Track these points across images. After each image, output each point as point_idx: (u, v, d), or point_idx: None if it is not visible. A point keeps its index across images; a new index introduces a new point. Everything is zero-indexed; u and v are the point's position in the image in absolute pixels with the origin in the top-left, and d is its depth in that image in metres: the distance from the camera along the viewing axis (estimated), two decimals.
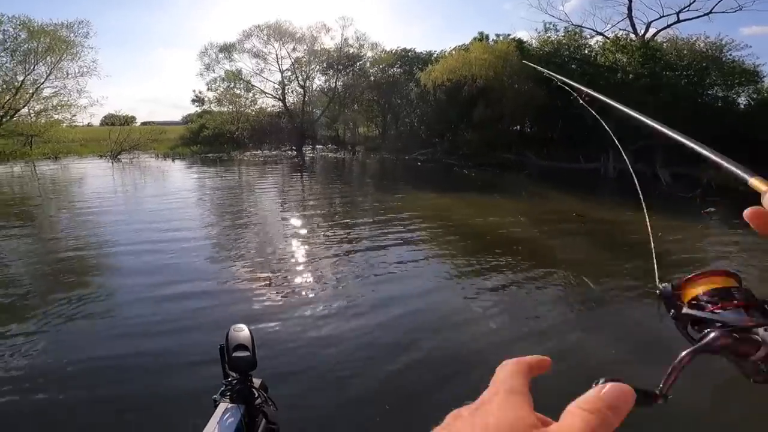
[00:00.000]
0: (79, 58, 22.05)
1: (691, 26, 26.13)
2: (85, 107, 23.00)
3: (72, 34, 21.81)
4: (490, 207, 10.26)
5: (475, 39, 23.23)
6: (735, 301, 0.38)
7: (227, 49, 26.81)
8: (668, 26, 20.73)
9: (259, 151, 26.19)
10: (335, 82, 27.36)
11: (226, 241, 7.29)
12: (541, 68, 1.96)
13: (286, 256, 6.37)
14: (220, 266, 5.89)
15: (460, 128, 22.75)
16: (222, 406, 1.12)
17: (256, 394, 1.17)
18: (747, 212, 0.35)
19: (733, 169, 0.43)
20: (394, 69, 26.70)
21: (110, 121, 27.80)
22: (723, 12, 19.91)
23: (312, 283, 5.26)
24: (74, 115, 23.13)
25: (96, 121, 28.78)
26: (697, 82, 18.92)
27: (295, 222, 8.66)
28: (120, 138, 23.14)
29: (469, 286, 5.28)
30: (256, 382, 1.20)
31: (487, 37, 23.16)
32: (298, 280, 5.41)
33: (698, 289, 0.41)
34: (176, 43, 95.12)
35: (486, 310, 4.60)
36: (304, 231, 7.97)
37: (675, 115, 16.80)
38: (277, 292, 4.95)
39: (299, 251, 6.63)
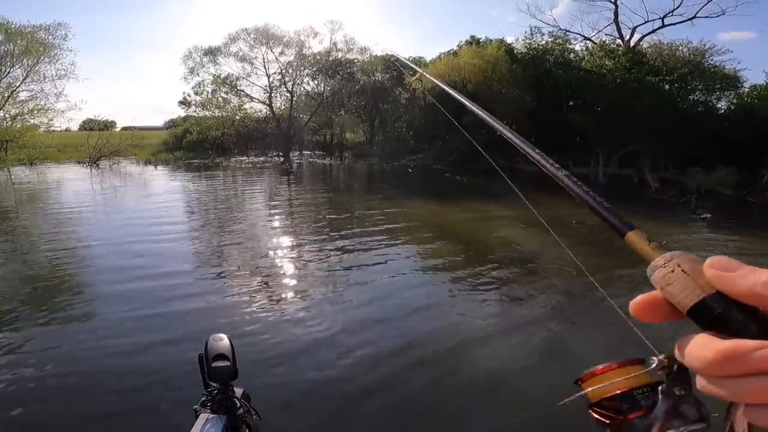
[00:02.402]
0: (57, 61, 21.28)
1: (674, 31, 26.73)
2: (62, 111, 22.10)
3: (50, 37, 21.04)
4: (483, 213, 10.08)
5: (466, 42, 23.27)
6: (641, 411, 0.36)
7: (212, 53, 26.35)
8: (653, 31, 21.14)
9: (245, 157, 25.65)
10: (323, 87, 27.10)
11: (210, 250, 7.03)
12: (393, 55, 1.95)
13: (271, 265, 6.16)
14: (203, 275, 5.68)
15: (449, 134, 22.71)
16: (203, 417, 1.09)
17: (238, 404, 1.14)
18: (634, 305, 0.32)
19: (609, 217, 0.38)
20: (383, 74, 26.58)
21: (89, 125, 26.92)
22: (706, 17, 20.34)
23: (299, 292, 5.11)
24: (51, 120, 22.27)
25: (75, 126, 27.89)
26: (679, 87, 19.24)
27: (282, 230, 8.38)
28: (99, 143, 22.37)
29: (461, 293, 5.20)
30: (238, 391, 1.18)
31: (478, 41, 23.23)
32: (284, 288, 5.26)
33: (603, 390, 0.38)
34: (160, 47, 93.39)
35: (484, 319, 4.46)
36: (290, 239, 7.71)
37: (659, 120, 17.04)
38: (261, 301, 4.81)
39: (285, 260, 6.43)
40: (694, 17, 20.16)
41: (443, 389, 3.28)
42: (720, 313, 0.27)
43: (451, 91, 0.89)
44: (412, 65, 1.55)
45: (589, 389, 0.40)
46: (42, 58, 20.79)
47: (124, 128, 30.17)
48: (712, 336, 0.27)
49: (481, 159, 20.24)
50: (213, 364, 1.13)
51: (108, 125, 27.58)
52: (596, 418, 0.39)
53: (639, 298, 0.32)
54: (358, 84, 26.50)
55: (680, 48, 20.06)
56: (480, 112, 0.73)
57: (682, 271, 0.29)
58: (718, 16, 20.71)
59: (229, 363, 1.13)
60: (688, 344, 0.28)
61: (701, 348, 0.27)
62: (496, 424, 2.92)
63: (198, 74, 26.72)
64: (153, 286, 5.18)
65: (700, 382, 0.28)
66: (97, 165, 21.32)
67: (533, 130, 21.02)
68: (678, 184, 14.37)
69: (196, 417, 1.11)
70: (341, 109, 27.44)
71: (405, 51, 46.16)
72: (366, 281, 5.53)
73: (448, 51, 22.88)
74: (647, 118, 17.08)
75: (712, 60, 19.56)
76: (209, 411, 1.11)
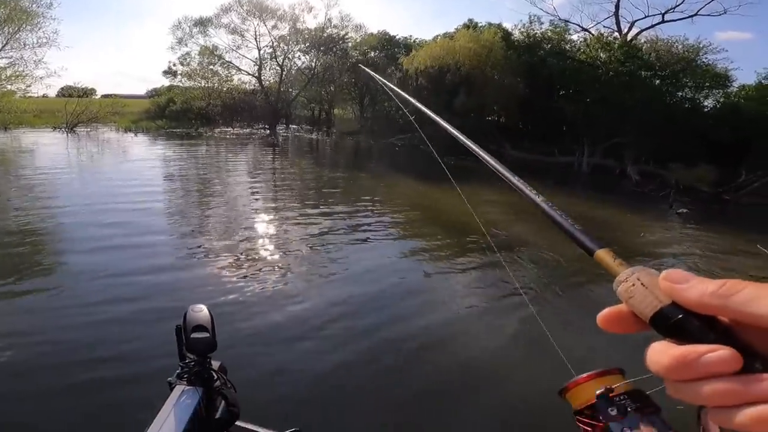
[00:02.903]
0: (39, 29, 20.44)
1: (673, 28, 26.70)
2: (41, 78, 21.34)
3: (34, 5, 20.12)
4: (468, 195, 10.06)
5: (464, 25, 22.86)
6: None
7: (202, 24, 25.54)
8: (652, 26, 21.00)
9: (229, 129, 25.12)
10: (315, 63, 26.49)
11: (189, 219, 6.92)
12: (372, 73, 2.04)
13: (252, 236, 6.10)
14: (180, 245, 5.59)
15: (439, 115, 22.51)
16: (179, 389, 1.07)
17: (215, 377, 1.11)
18: (601, 317, 0.34)
19: (579, 236, 0.39)
20: (376, 53, 26.05)
21: (68, 92, 25.92)
22: (708, 15, 20.29)
23: (277, 265, 5.07)
24: (29, 86, 21.46)
25: (52, 93, 26.79)
26: (670, 83, 19.32)
27: (263, 202, 8.28)
28: (77, 110, 21.58)
29: (439, 272, 5.24)
30: (215, 364, 1.15)
31: (476, 25, 22.83)
32: (262, 261, 5.20)
33: (584, 398, 0.40)
34: (146, 15, 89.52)
35: (457, 297, 4.49)
36: (271, 211, 7.61)
37: (647, 114, 17.15)
38: (240, 272, 4.76)
39: (265, 233, 6.36)
40: (696, 15, 20.09)
41: (419, 362, 3.32)
42: (676, 322, 0.29)
43: (415, 103, 0.94)
44: (380, 78, 1.63)
45: (571, 398, 0.42)
46: (24, 26, 19.99)
47: (105, 96, 29.06)
48: (671, 343, 0.29)
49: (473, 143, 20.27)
50: (192, 335, 1.09)
51: (87, 92, 26.61)
52: (581, 426, 0.40)
53: (606, 311, 0.34)
54: (350, 61, 25.98)
55: (676, 44, 20.09)
56: (450, 128, 0.75)
57: (642, 284, 0.31)
58: (720, 14, 20.67)
59: (208, 334, 1.10)
60: (649, 351, 0.29)
61: (659, 354, 0.28)
62: (469, 394, 2.97)
63: (186, 45, 25.90)
64: (126, 255, 5.06)
65: (667, 388, 0.29)
66: (74, 131, 20.62)
67: (523, 117, 21.04)
68: (658, 177, 14.58)
69: (171, 389, 1.08)
70: (331, 85, 26.91)
71: (402, 30, 45.15)
72: (346, 257, 5.51)
73: (445, 33, 22.41)
74: (636, 112, 17.18)
75: (705, 58, 19.67)
76: (185, 383, 1.08)
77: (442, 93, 21.47)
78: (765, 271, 6.04)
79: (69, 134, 19.63)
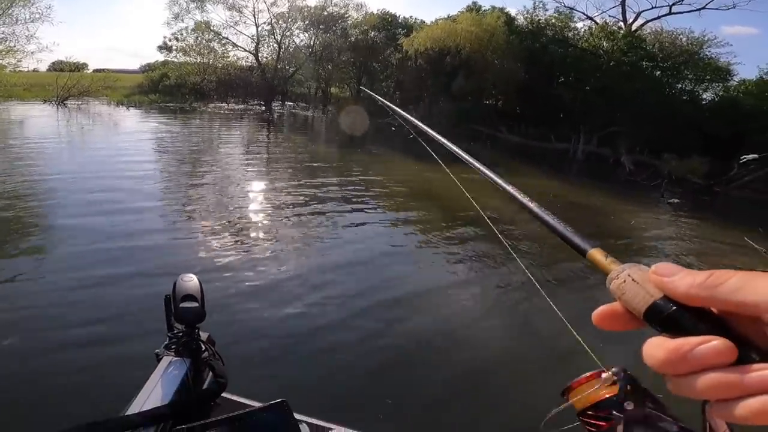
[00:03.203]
0: (32, 4, 19.82)
1: (679, 20, 26.30)
2: (32, 53, 20.82)
3: None
4: (462, 177, 10.06)
5: (467, 7, 22.45)
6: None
7: None
8: (658, 17, 20.70)
9: (224, 104, 24.71)
10: (314, 41, 25.95)
11: (180, 188, 6.92)
12: (376, 96, 2.14)
13: (244, 212, 6.04)
14: (171, 212, 5.62)
15: (437, 97, 22.30)
16: (166, 359, 1.06)
17: (204, 348, 1.10)
18: (596, 316, 0.34)
19: (571, 237, 0.40)
20: (377, 32, 25.55)
21: (59, 67, 25.31)
22: (716, 9, 20.01)
23: (269, 240, 5.06)
24: (19, 61, 20.94)
25: (43, 67, 26.15)
26: (671, 75, 19.22)
27: (257, 177, 8.23)
28: (68, 84, 21.09)
29: (426, 248, 5.31)
30: (203, 335, 1.13)
31: (479, 8, 22.42)
32: (254, 235, 5.20)
33: (588, 399, 0.40)
34: None
35: (443, 275, 4.51)
36: (265, 188, 7.56)
37: (645, 105, 17.12)
38: (229, 240, 4.79)
39: (258, 208, 6.33)
40: (704, 8, 19.77)
41: (402, 332, 3.40)
42: (669, 315, 0.29)
43: (418, 123, 1.02)
44: (383, 101, 1.79)
45: (575, 399, 0.41)
46: (17, 1, 19.32)
47: (96, 70, 28.35)
48: (666, 337, 0.29)
49: (467, 125, 20.04)
50: (181, 305, 1.07)
51: (79, 67, 25.97)
52: (586, 427, 0.40)
53: (600, 309, 0.33)
54: (350, 40, 25.48)
55: (680, 37, 19.88)
56: (448, 143, 0.79)
57: (633, 280, 0.32)
58: (728, 9, 20.36)
59: (197, 304, 1.08)
60: (645, 346, 0.29)
61: (655, 348, 0.28)
62: (445, 366, 3.02)
63: (183, 20, 25.20)
64: (115, 221, 5.06)
65: (668, 384, 0.29)
66: (64, 104, 20.19)
67: (521, 102, 20.89)
68: (652, 167, 14.64)
69: (159, 360, 1.07)
70: (329, 63, 26.43)
71: (404, 10, 44.17)
72: (336, 230, 5.54)
73: (448, 16, 21.94)
74: (635, 102, 17.14)
75: (709, 51, 19.51)
76: (173, 354, 1.07)
77: (440, 75, 21.21)
78: (752, 263, 6.15)
79: (59, 107, 19.21)
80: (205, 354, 1.10)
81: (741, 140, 16.77)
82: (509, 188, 0.53)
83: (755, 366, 0.25)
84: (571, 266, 4.81)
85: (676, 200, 10.17)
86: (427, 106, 22.26)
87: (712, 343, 0.26)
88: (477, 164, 0.63)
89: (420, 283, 4.32)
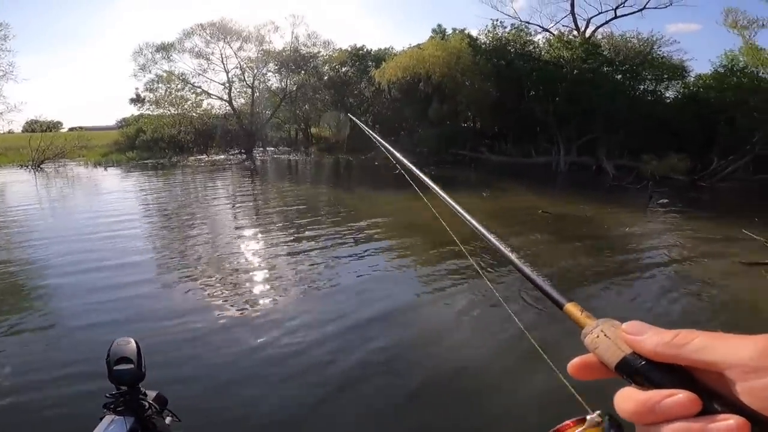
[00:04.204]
0: None
1: (626, 22, 27.88)
2: (0, 113, 20.62)
3: None
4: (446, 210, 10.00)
5: (434, 30, 23.26)
6: None
7: (165, 49, 24.96)
8: (606, 22, 21.71)
9: (204, 156, 24.54)
10: (287, 82, 26.36)
11: (167, 245, 6.85)
12: (363, 126, 2.24)
13: (236, 265, 5.85)
14: (158, 269, 5.63)
15: (415, 126, 22.64)
16: (108, 418, 1.10)
17: (147, 406, 1.15)
18: (571, 366, 0.36)
19: (550, 290, 0.42)
20: (348, 67, 26.13)
21: (32, 127, 25.09)
22: (655, 8, 21.09)
23: (251, 287, 5.05)
24: None
25: (17, 128, 25.90)
26: (631, 77, 19.93)
27: (247, 232, 7.98)
28: (42, 145, 20.83)
29: (435, 297, 4.97)
30: (151, 394, 1.18)
31: (444, 31, 23.23)
32: (238, 282, 5.18)
33: None
34: (111, 44, 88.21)
35: (452, 315, 4.31)
36: (256, 242, 7.32)
37: (613, 109, 17.62)
38: (215, 293, 4.78)
39: (248, 259, 6.17)
40: (644, 8, 20.88)
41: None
42: (638, 369, 0.31)
43: (400, 157, 1.06)
44: (368, 130, 1.92)
45: None
46: None
47: (72, 129, 28.23)
48: (636, 389, 0.31)
49: (448, 150, 20.21)
50: (115, 367, 1.13)
51: (52, 126, 25.80)
52: None
53: (575, 360, 0.36)
54: (323, 78, 25.96)
55: (631, 39, 20.79)
56: (431, 183, 0.83)
57: (605, 335, 0.34)
58: (666, 6, 21.52)
59: (132, 366, 1.13)
60: (616, 397, 0.31)
61: (625, 400, 0.31)
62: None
63: (150, 71, 25.35)
64: (103, 278, 5.12)
65: (637, 430, 0.31)
66: (41, 168, 19.85)
67: (497, 121, 21.34)
68: (634, 170, 14.91)
69: (101, 418, 1.11)
70: (306, 103, 26.78)
71: (373, 43, 45.65)
72: (326, 272, 5.46)
73: (418, 44, 22.61)
74: (602, 107, 17.65)
75: (660, 51, 20.43)
76: (114, 413, 1.11)
77: (415, 103, 21.62)
78: (756, 255, 6.10)
79: (36, 172, 18.88)
80: (149, 412, 1.13)
81: (713, 133, 17.32)
82: (491, 237, 0.54)
83: (719, 417, 0.27)
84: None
85: (665, 200, 10.28)
86: (408, 136, 22.57)
87: (678, 396, 0.28)
88: (461, 210, 0.65)
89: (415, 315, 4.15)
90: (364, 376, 3.31)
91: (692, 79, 20.47)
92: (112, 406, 1.12)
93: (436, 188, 0.80)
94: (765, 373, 0.26)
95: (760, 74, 17.72)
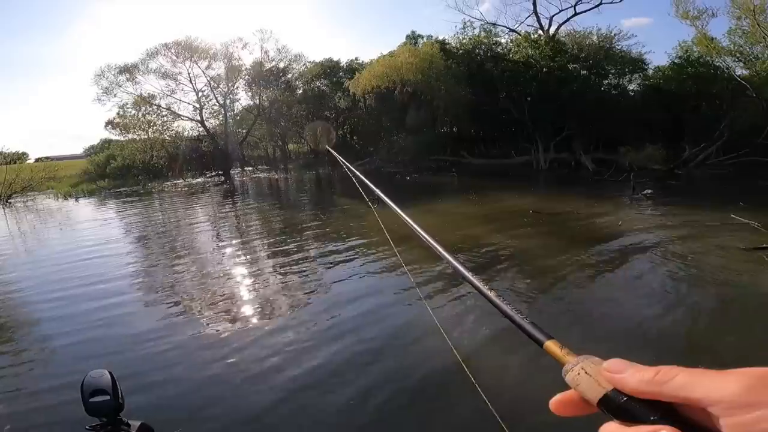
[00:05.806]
0: None
1: (585, 19, 28.95)
2: None
3: None
4: (442, 213, 9.91)
5: (408, 37, 23.41)
6: None
7: (128, 71, 24.14)
8: (567, 20, 22.32)
9: (180, 180, 23.81)
10: (259, 99, 25.97)
11: (150, 278, 6.39)
12: (336, 154, 2.32)
13: (222, 296, 5.48)
14: (141, 297, 5.43)
15: (394, 135, 22.60)
16: None
17: None
18: (553, 403, 0.36)
19: (528, 328, 0.41)
20: (321, 81, 25.98)
21: None
22: (611, 2, 21.77)
23: (260, 316, 4.62)
24: None
25: None
26: (596, 73, 20.47)
27: (231, 256, 7.62)
28: (8, 179, 19.87)
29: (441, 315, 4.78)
30: (134, 424, 1.18)
31: (416, 38, 23.43)
32: (239, 316, 4.81)
33: None
34: (72, 69, 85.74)
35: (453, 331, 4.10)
36: (241, 266, 6.97)
37: (582, 105, 18.02)
38: (193, 318, 4.51)
39: (237, 290, 5.79)
40: (600, 4, 21.53)
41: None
42: (621, 405, 0.32)
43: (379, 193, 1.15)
44: (344, 161, 2.04)
45: None
46: None
47: (39, 159, 27.03)
48: (619, 424, 0.32)
49: (428, 157, 20.19)
50: (90, 399, 1.13)
51: (17, 157, 24.68)
52: None
53: (557, 397, 0.36)
54: (296, 92, 25.71)
55: (591, 35, 21.39)
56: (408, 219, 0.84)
57: (586, 373, 0.35)
58: (621, 0, 22.26)
59: (109, 397, 1.13)
60: None
61: None
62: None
63: (115, 94, 24.54)
64: (86, 309, 4.79)
65: None
66: (9, 203, 18.90)
67: (474, 124, 21.53)
68: (613, 163, 15.18)
69: None
70: (281, 119, 26.42)
71: (346, 54, 45.71)
72: (325, 297, 5.15)
73: (390, 52, 22.66)
74: (573, 103, 18.02)
75: (619, 45, 21.06)
76: None
77: (392, 111, 21.61)
78: (751, 238, 6.16)
79: (4, 207, 17.93)
80: None
81: (680, 122, 17.89)
82: (470, 275, 0.52)
83: None
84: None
85: (649, 191, 10.43)
86: (387, 145, 22.49)
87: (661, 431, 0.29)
88: (441, 249, 0.63)
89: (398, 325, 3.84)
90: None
91: (652, 71, 21.22)
92: None
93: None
94: (749, 409, 0.27)
95: (716, 62, 18.45)
